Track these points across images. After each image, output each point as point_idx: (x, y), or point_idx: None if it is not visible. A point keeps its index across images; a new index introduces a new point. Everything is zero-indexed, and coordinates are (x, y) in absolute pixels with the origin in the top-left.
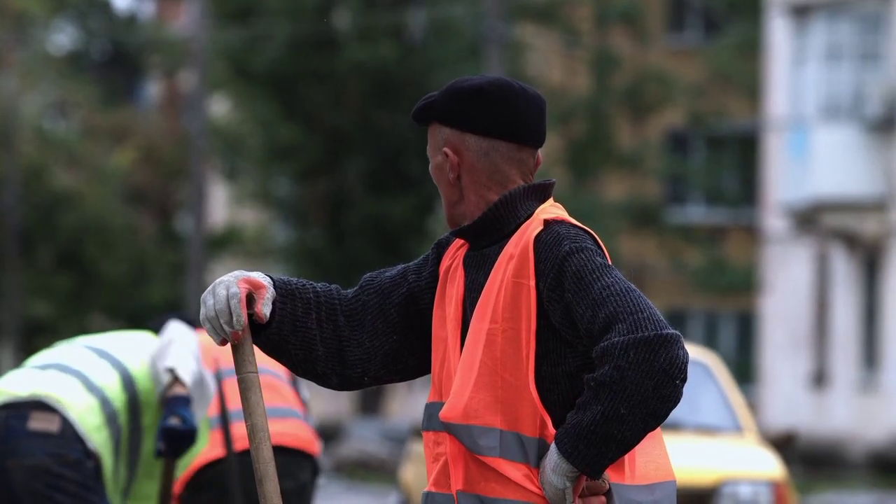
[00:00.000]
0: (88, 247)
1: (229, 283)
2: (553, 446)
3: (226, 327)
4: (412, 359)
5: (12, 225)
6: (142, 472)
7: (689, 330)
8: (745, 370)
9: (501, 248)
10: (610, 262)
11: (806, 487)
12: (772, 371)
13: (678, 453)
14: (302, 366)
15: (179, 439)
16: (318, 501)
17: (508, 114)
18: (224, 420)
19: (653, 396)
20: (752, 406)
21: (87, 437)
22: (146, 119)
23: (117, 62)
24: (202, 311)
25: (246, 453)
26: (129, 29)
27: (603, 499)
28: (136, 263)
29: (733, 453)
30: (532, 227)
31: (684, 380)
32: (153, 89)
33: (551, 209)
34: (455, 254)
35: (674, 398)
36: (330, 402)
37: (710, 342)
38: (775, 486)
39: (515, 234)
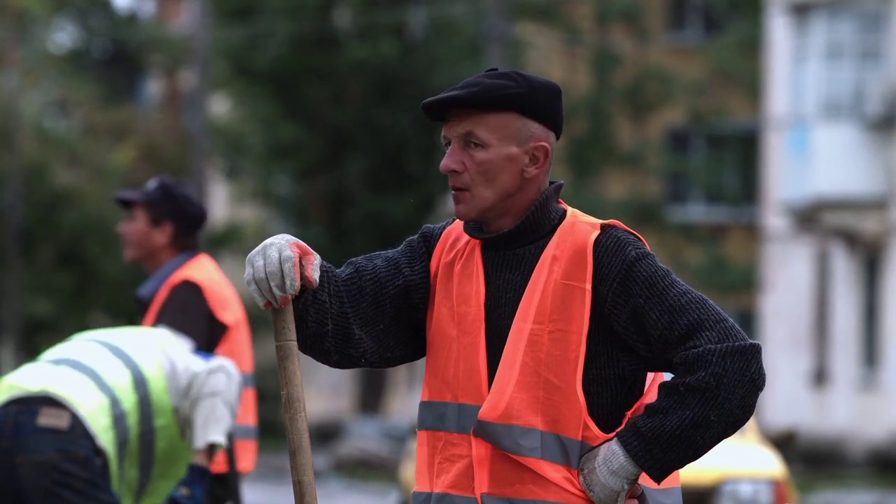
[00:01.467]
0: (89, 245)
1: (281, 245)
2: (616, 448)
3: (276, 291)
4: (398, 349)
5: (13, 223)
6: (157, 472)
7: None
8: None
9: (538, 248)
10: None
11: (806, 486)
12: (772, 369)
13: None
14: (311, 339)
15: None
16: (319, 500)
17: (562, 113)
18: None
19: (739, 405)
20: None
21: (95, 434)
22: (147, 117)
23: (118, 61)
24: (248, 271)
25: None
26: (130, 27)
27: (636, 501)
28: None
29: (734, 452)
30: (582, 231)
31: (762, 390)
32: (154, 88)
33: (576, 210)
34: (459, 250)
35: (753, 408)
36: (330, 401)
37: None
38: (776, 485)
39: (555, 236)
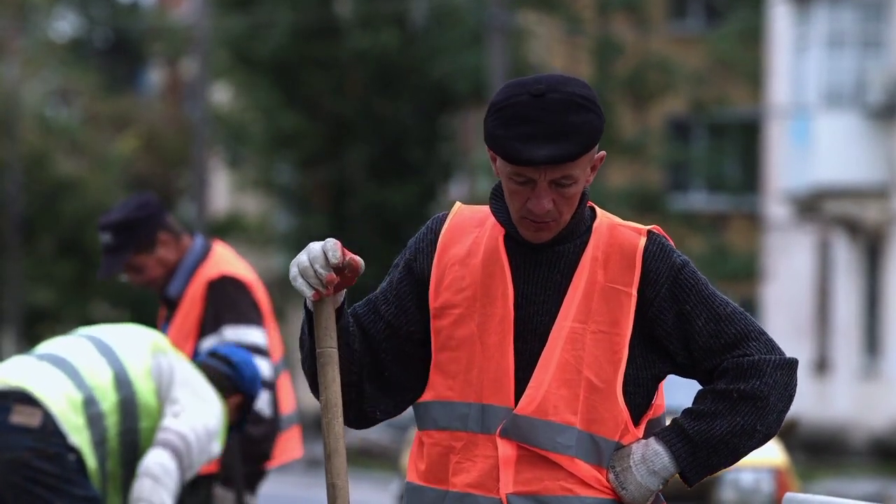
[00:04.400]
0: (90, 234)
1: (321, 241)
2: (659, 448)
3: (321, 270)
4: (409, 392)
5: (14, 212)
6: None
7: None
8: None
9: (577, 247)
10: None
11: (808, 474)
12: None
13: None
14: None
15: None
16: (321, 490)
17: None
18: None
19: (777, 419)
20: None
21: (67, 433)
22: (148, 107)
23: (119, 50)
24: (292, 271)
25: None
26: (131, 16)
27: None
28: None
29: None
30: (628, 236)
31: None
32: (155, 77)
33: (598, 208)
34: (475, 243)
35: (782, 423)
36: None
37: None
38: (777, 474)
39: (592, 236)
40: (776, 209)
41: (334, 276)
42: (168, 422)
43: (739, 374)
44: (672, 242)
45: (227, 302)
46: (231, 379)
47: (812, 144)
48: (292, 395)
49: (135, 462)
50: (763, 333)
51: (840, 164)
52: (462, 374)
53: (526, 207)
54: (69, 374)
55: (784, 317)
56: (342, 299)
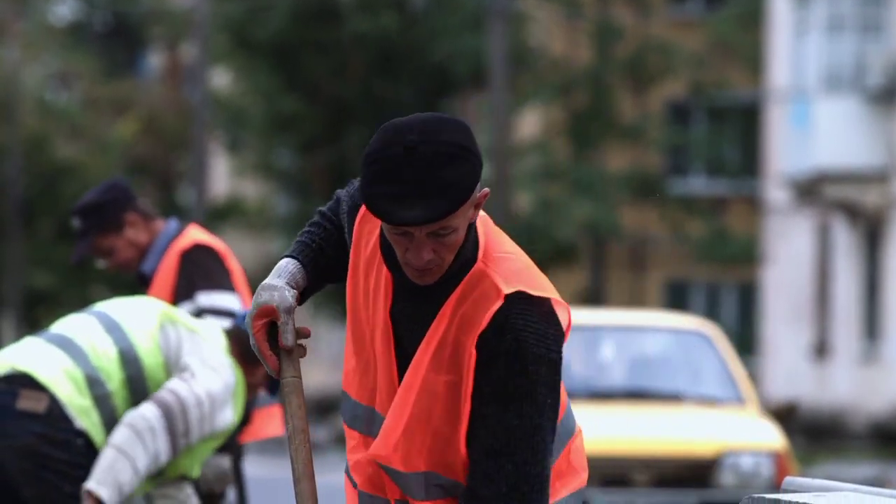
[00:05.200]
0: None
1: (248, 322)
2: None
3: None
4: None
5: (14, 196)
6: None
7: (691, 301)
8: (746, 341)
9: (448, 286)
10: (553, 360)
11: (807, 458)
12: (773, 342)
13: (679, 425)
14: None
15: None
16: (319, 473)
17: None
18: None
19: None
20: (754, 377)
21: (74, 417)
22: (148, 90)
23: (119, 33)
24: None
25: None
26: (131, 0)
27: None
28: None
29: (734, 424)
30: (487, 296)
31: None
32: (155, 60)
33: (495, 245)
34: (371, 250)
35: None
36: (330, 374)
37: (711, 313)
38: (777, 457)
39: (463, 283)
40: (776, 193)
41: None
42: (170, 383)
43: (464, 495)
44: (553, 319)
45: (200, 269)
46: None
47: (812, 128)
48: None
49: None
50: (523, 481)
51: (840, 147)
52: (360, 374)
53: (405, 257)
54: (74, 355)
55: (784, 301)
56: (290, 338)
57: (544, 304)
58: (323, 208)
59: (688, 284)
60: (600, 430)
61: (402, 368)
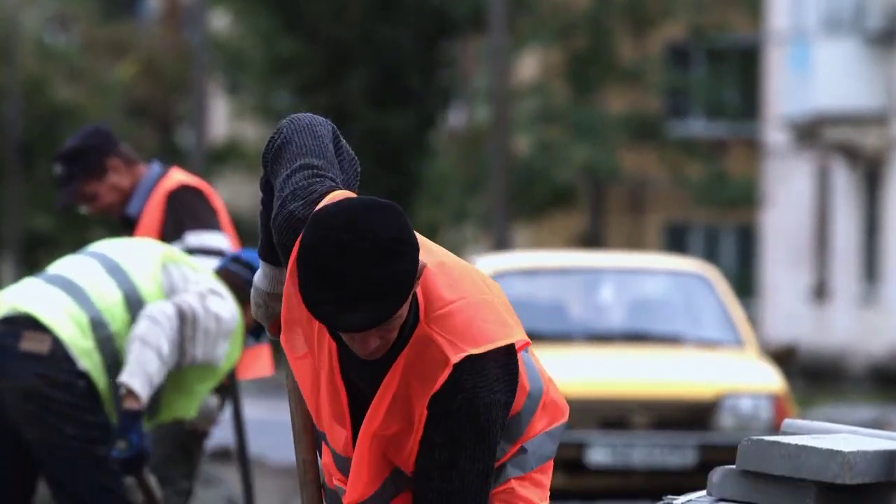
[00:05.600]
0: None
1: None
2: None
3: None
4: None
5: (13, 138)
6: (168, 388)
7: (690, 244)
8: (745, 284)
9: (393, 349)
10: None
11: (807, 401)
12: (772, 285)
13: (678, 367)
14: None
15: (129, 464)
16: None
17: None
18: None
19: None
20: (753, 320)
21: (76, 358)
22: (147, 32)
23: None
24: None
25: None
26: None
27: None
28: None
29: (734, 367)
30: (436, 359)
31: None
32: (154, 2)
33: (434, 300)
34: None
35: None
36: None
37: (710, 256)
38: (776, 400)
39: (410, 347)
40: (775, 135)
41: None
42: (183, 294)
43: None
44: (504, 368)
45: (187, 209)
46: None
47: (811, 71)
48: None
49: None
50: None
51: (839, 90)
52: (308, 399)
53: (351, 345)
54: (77, 297)
55: (783, 243)
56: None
57: (494, 356)
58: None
59: (687, 227)
60: (599, 372)
61: (353, 417)
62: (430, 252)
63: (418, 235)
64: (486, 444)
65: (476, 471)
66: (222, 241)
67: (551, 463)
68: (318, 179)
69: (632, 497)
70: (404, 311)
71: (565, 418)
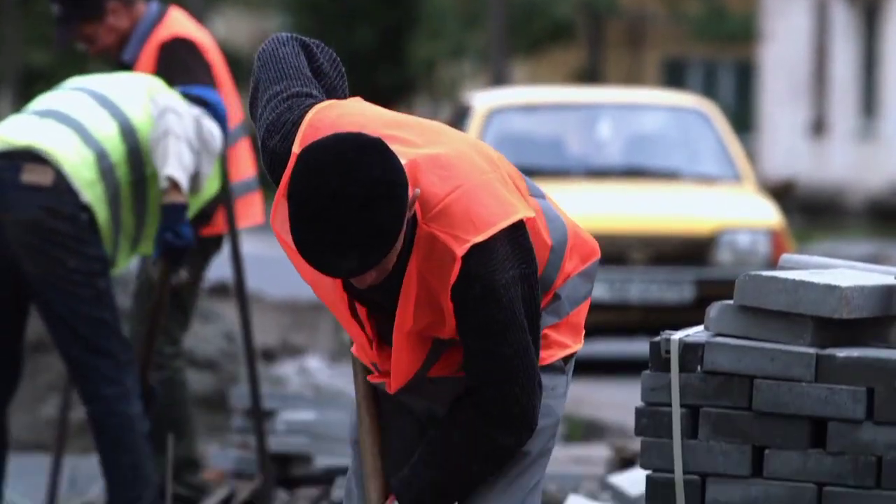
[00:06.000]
0: None
1: None
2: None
3: None
4: None
5: None
6: (150, 219)
7: (688, 79)
8: (743, 119)
9: (403, 261)
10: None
11: (804, 236)
12: (770, 120)
13: (676, 202)
14: None
15: (175, 252)
16: (328, 380)
17: None
18: (227, 195)
19: (456, 479)
20: (751, 155)
21: (80, 190)
22: None
23: None
24: None
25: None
26: None
27: None
28: None
29: (732, 202)
30: (444, 257)
31: None
32: None
33: (429, 197)
34: None
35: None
36: None
37: (708, 91)
38: (773, 235)
39: (416, 249)
40: None
41: None
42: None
43: (452, 425)
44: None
45: (179, 63)
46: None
47: None
48: (252, 161)
49: (144, 212)
50: (519, 400)
51: None
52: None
53: (348, 280)
54: (76, 129)
55: (782, 78)
56: None
57: (499, 238)
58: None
59: (685, 63)
60: (597, 208)
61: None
62: (424, 134)
63: (411, 117)
64: (518, 322)
65: (516, 348)
66: (210, 94)
67: (588, 301)
68: (285, 106)
69: (629, 332)
70: (398, 246)
71: (597, 255)
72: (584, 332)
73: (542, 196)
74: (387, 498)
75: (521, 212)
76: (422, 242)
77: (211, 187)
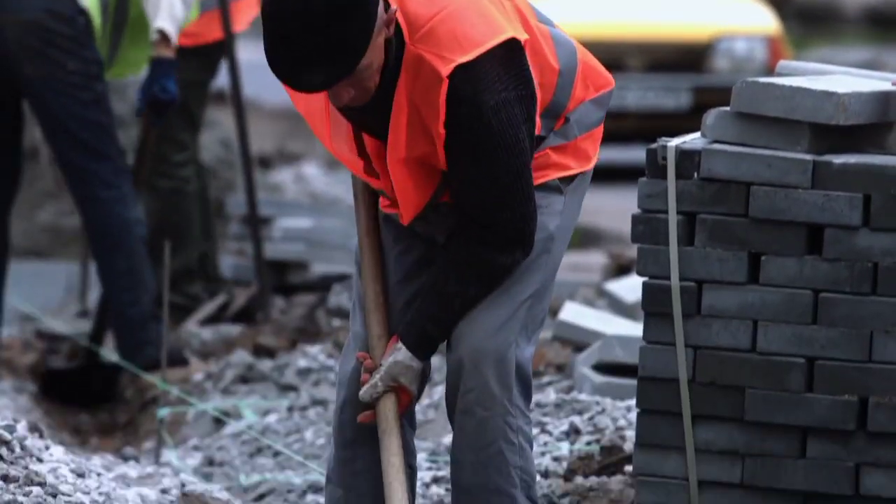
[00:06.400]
0: None
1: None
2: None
3: None
4: None
5: None
6: (128, 38)
7: None
8: None
9: (390, 85)
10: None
11: (801, 42)
12: None
13: (671, 8)
14: None
15: (160, 105)
16: (325, 187)
17: None
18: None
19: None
20: None
21: None
22: None
23: None
24: None
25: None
26: None
27: None
28: None
29: (729, 8)
30: (430, 78)
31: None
32: None
33: (416, 18)
34: None
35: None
36: None
37: None
38: (770, 42)
39: (404, 70)
40: None
41: None
42: None
43: (456, 256)
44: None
45: None
46: None
47: None
48: None
49: (122, 27)
50: (513, 224)
51: None
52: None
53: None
54: None
55: None
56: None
57: (488, 58)
58: None
59: None
60: (592, 13)
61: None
62: None
63: None
64: (508, 145)
65: (508, 172)
66: None
67: (600, 129)
68: None
69: (625, 139)
70: (372, 60)
71: (611, 86)
72: (593, 160)
73: (551, 24)
74: (388, 330)
75: (510, 32)
76: (409, 65)
77: (190, 17)
